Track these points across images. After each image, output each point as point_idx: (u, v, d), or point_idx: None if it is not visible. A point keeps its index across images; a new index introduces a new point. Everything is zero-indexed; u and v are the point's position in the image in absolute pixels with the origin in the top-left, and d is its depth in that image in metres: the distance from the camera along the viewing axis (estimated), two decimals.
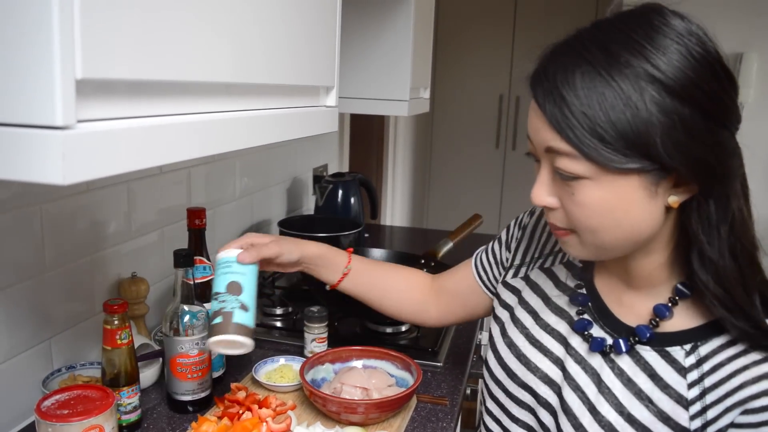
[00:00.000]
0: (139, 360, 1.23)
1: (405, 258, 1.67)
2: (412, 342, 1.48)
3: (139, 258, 1.38)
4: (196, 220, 1.18)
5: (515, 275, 1.02)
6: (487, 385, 1.00)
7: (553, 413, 0.87)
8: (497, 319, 1.01)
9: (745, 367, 0.75)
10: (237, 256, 1.00)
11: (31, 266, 1.10)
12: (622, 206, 0.72)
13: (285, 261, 1.09)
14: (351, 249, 1.20)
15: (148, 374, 1.22)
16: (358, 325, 1.54)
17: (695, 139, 0.68)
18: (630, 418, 0.79)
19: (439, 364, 1.37)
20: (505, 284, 1.03)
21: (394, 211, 3.77)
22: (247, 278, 0.99)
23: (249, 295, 0.98)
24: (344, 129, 2.75)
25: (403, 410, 1.15)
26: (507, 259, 1.06)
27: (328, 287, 1.18)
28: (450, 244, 1.73)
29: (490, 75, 4.53)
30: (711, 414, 0.76)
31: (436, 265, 1.64)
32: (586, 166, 0.70)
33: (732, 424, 0.74)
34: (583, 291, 0.90)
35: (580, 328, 0.86)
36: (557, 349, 0.89)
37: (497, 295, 1.04)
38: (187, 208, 1.19)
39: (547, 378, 0.89)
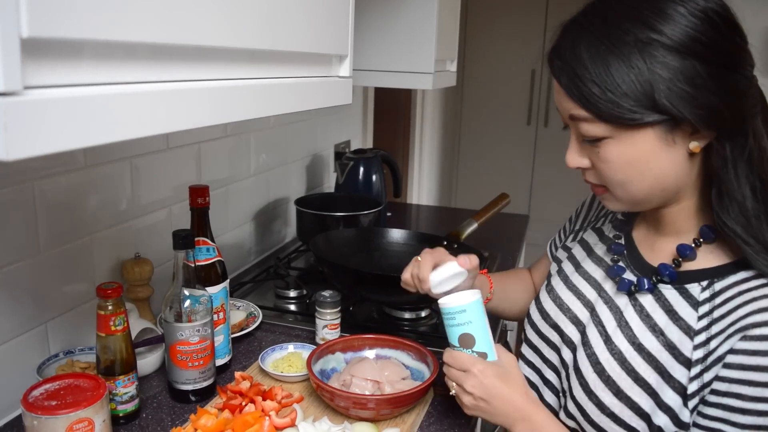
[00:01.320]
0: (141, 345, 1.17)
1: (426, 239, 1.59)
2: (432, 328, 1.39)
3: (144, 238, 1.31)
4: (198, 198, 1.11)
5: (574, 239, 1.10)
6: (524, 331, 1.06)
7: (574, 350, 0.93)
8: (548, 274, 1.08)
9: (754, 299, 0.77)
10: (460, 304, 0.93)
11: (25, 246, 1.04)
12: (643, 158, 0.78)
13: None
14: (486, 270, 1.19)
15: (150, 360, 1.16)
16: (375, 310, 1.46)
17: (699, 87, 0.73)
18: (640, 348, 0.84)
19: None
20: (564, 246, 1.11)
21: (421, 190, 3.67)
22: (476, 325, 0.93)
23: (483, 340, 0.93)
24: (368, 104, 2.66)
25: (418, 405, 1.07)
26: (571, 231, 1.14)
27: None
28: (474, 225, 1.64)
29: (522, 49, 4.37)
30: (714, 343, 0.78)
31: (459, 248, 1.55)
32: (603, 127, 0.77)
33: (731, 350, 0.76)
34: (621, 241, 0.96)
35: (612, 274, 0.93)
36: (589, 293, 0.95)
37: (554, 257, 1.12)
38: (189, 186, 1.11)
39: (576, 318, 0.95)
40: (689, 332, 0.80)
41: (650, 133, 0.76)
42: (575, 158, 0.86)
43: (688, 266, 0.85)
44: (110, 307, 0.96)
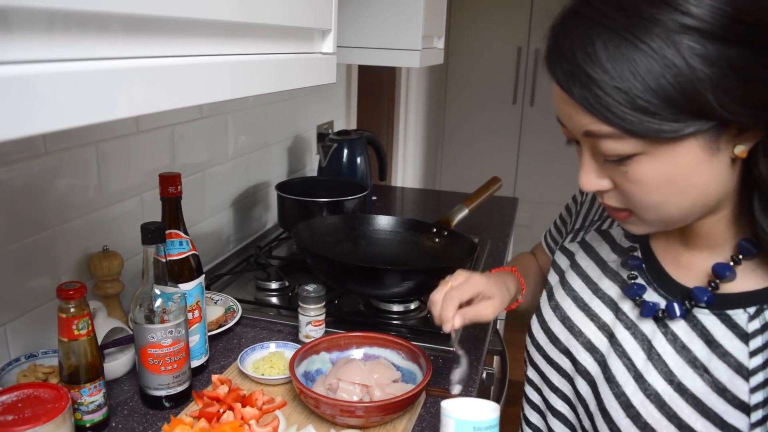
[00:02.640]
0: (110, 346, 1.09)
1: (415, 226, 1.51)
2: (422, 322, 1.32)
3: (113, 229, 1.22)
4: (169, 187, 1.01)
5: (573, 239, 0.95)
6: (528, 352, 0.93)
7: (591, 383, 0.80)
8: (547, 284, 0.94)
9: None
10: (496, 414, 0.77)
11: None
12: (684, 174, 0.64)
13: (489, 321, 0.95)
14: (515, 268, 1.04)
15: (122, 362, 1.08)
16: (362, 303, 1.38)
17: (750, 81, 0.60)
18: (680, 388, 0.71)
19: (451, 348, 1.21)
20: (562, 248, 0.96)
21: (406, 172, 3.59)
22: None
23: None
24: (351, 83, 2.56)
25: (410, 409, 0.99)
26: (570, 225, 1.00)
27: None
28: (465, 211, 1.56)
29: (508, 26, 4.28)
30: None
31: (449, 235, 1.47)
32: (634, 143, 0.63)
33: None
34: (637, 254, 0.82)
35: (631, 294, 0.79)
36: (605, 315, 0.82)
37: (553, 261, 0.97)
38: (159, 174, 1.02)
39: (590, 344, 0.82)
40: (741, 371, 0.68)
41: (693, 144, 0.62)
42: (593, 181, 0.70)
43: (727, 288, 0.72)
44: (72, 310, 0.87)
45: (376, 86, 3.09)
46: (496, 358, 1.67)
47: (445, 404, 0.78)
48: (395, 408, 0.92)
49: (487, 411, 0.77)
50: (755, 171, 0.66)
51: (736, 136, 0.64)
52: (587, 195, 0.99)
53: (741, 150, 0.64)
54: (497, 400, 1.57)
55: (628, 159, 0.65)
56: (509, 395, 1.46)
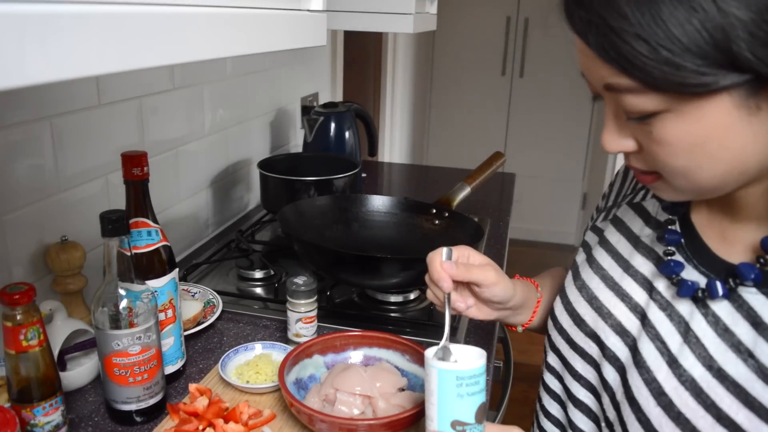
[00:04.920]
0: (72, 351, 0.95)
1: (412, 207, 1.38)
2: (424, 314, 1.19)
3: (72, 216, 1.07)
4: (134, 169, 0.87)
5: (605, 218, 0.87)
6: (549, 337, 0.85)
7: (620, 369, 0.73)
8: (573, 264, 0.86)
9: None
10: (483, 362, 0.68)
11: None
12: (716, 135, 0.57)
13: (490, 297, 0.83)
14: (535, 282, 0.95)
15: (86, 368, 0.95)
16: (356, 293, 1.25)
17: None
18: (720, 374, 0.63)
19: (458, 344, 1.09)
20: (593, 227, 0.88)
21: (393, 146, 3.45)
22: (486, 390, 0.71)
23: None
24: (337, 51, 2.40)
25: (418, 421, 0.87)
26: (604, 208, 0.91)
27: (520, 329, 0.94)
28: (467, 190, 1.43)
29: None
30: None
31: (450, 216, 1.34)
32: (658, 98, 0.56)
33: None
34: (675, 227, 0.74)
35: (667, 272, 0.71)
36: (638, 295, 0.74)
37: (583, 242, 0.89)
38: (121, 154, 0.88)
39: (620, 327, 0.74)
40: None
41: (726, 100, 0.55)
42: (615, 140, 0.64)
43: None
44: (19, 317, 0.74)
45: (361, 56, 2.93)
46: (497, 345, 1.56)
47: (428, 353, 0.70)
48: (403, 424, 0.79)
49: (473, 359, 0.69)
50: None
51: None
52: (620, 174, 0.90)
53: None
54: (504, 386, 1.47)
55: (651, 117, 0.58)
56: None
